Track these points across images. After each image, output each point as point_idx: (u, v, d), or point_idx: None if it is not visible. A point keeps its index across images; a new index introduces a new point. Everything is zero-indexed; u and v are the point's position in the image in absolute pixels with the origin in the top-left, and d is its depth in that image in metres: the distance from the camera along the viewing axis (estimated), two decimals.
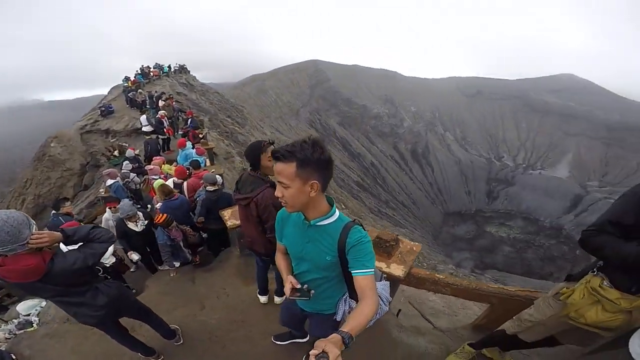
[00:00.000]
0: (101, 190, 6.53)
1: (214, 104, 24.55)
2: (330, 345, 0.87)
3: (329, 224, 1.31)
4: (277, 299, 3.06)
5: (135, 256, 3.66)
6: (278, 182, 1.18)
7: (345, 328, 1.01)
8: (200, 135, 8.87)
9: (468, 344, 2.45)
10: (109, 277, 2.61)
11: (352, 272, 1.24)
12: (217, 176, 4.24)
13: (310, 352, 0.85)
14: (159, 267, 4.18)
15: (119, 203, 3.94)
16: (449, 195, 57.88)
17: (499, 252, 44.81)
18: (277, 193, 1.21)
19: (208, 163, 6.90)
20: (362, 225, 1.33)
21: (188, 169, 5.27)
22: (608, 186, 52.59)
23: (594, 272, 1.58)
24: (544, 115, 67.15)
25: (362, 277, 1.21)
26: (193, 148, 6.86)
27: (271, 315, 2.92)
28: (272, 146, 2.10)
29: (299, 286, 1.36)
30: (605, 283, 1.50)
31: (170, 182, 4.91)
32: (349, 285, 1.40)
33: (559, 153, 61.21)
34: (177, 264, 3.93)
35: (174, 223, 3.69)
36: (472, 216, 54.57)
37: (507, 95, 73.12)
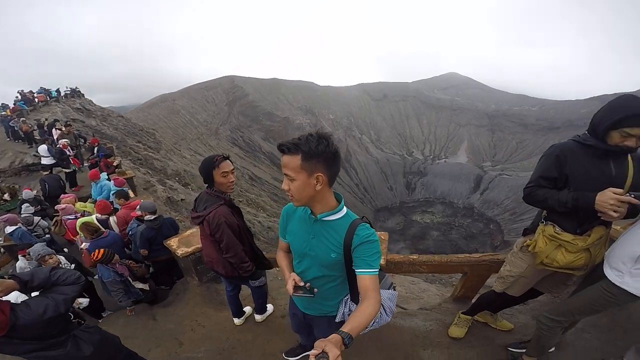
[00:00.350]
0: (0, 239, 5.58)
1: (119, 129, 21.86)
2: (330, 345, 0.87)
3: (335, 219, 1.29)
4: (257, 317, 2.96)
5: (83, 299, 3.26)
6: (284, 174, 1.18)
7: (345, 328, 1.01)
8: (114, 164, 7.97)
9: (462, 313, 2.58)
10: (82, 321, 2.30)
11: (356, 270, 1.22)
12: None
13: (310, 352, 0.85)
14: (103, 314, 3.74)
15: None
16: (374, 193, 62.72)
17: (428, 238, 50.66)
18: (284, 186, 1.20)
19: (132, 194, 6.22)
20: (370, 223, 1.31)
21: (111, 202, 4.85)
22: (499, 164, 64.30)
23: (544, 222, 1.81)
24: (438, 111, 78.44)
25: (366, 276, 1.20)
26: (108, 179, 6.22)
27: (261, 335, 2.83)
28: (226, 160, 2.09)
29: (302, 284, 1.31)
30: (557, 229, 1.73)
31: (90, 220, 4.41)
32: (352, 286, 1.37)
33: (457, 142, 72.18)
34: (131, 302, 3.53)
35: (116, 257, 3.32)
36: (399, 209, 60.32)
37: (407, 96, 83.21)
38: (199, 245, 3.19)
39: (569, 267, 1.74)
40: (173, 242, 3.46)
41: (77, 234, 4.24)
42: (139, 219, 3.80)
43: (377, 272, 1.22)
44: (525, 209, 50.00)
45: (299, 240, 1.39)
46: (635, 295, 1.55)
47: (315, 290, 1.33)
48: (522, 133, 68.31)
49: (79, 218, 4.70)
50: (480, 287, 2.94)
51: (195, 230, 3.61)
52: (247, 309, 3.05)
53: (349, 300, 1.46)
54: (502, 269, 2.16)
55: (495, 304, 2.39)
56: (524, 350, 2.21)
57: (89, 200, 5.97)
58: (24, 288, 1.58)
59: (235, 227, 2.13)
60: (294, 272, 1.43)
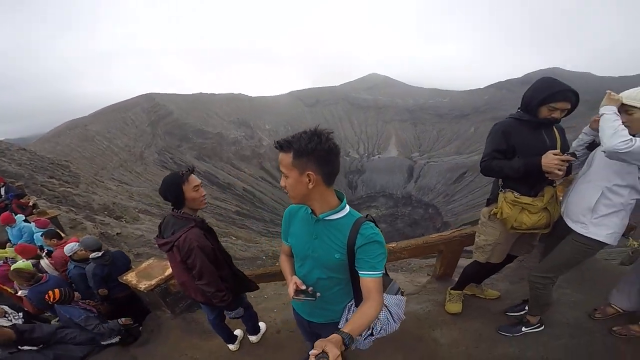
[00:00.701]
0: None
1: (24, 164, 18.37)
2: (331, 345, 0.87)
3: (338, 218, 1.24)
4: (252, 339, 2.81)
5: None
6: (280, 171, 1.19)
7: (345, 329, 1.01)
8: (30, 204, 7.00)
9: (451, 289, 2.70)
10: None
11: (361, 273, 1.20)
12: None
13: (310, 352, 0.85)
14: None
15: None
16: None
17: None
18: (281, 182, 1.20)
19: (62, 234, 5.60)
20: (375, 222, 1.26)
21: (40, 246, 4.48)
22: (425, 153, 70.85)
23: (502, 190, 2.00)
24: (365, 111, 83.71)
25: (369, 279, 1.18)
26: (26, 221, 5.60)
27: (263, 355, 2.71)
28: (192, 174, 1.88)
29: (303, 287, 1.26)
30: (516, 194, 1.93)
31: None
32: (356, 290, 1.32)
33: (386, 138, 77.83)
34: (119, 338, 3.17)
35: (77, 294, 3.00)
36: None
37: (337, 99, 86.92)
38: (163, 276, 3.02)
39: (535, 227, 1.95)
40: (131, 277, 3.16)
41: (9, 281, 3.76)
42: (76, 260, 3.52)
43: (381, 275, 1.19)
44: (455, 190, 56.28)
45: (301, 241, 1.34)
46: (604, 242, 1.80)
47: (318, 294, 1.26)
48: (439, 123, 76.94)
49: (1, 266, 4.16)
50: (457, 262, 3.13)
51: (153, 260, 3.43)
52: (238, 332, 2.85)
53: (353, 306, 1.41)
54: (477, 239, 2.29)
55: (479, 274, 2.54)
56: (522, 313, 2.45)
57: (8, 245, 5.29)
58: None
59: (209, 251, 1.94)
60: (295, 275, 1.37)
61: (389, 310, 1.40)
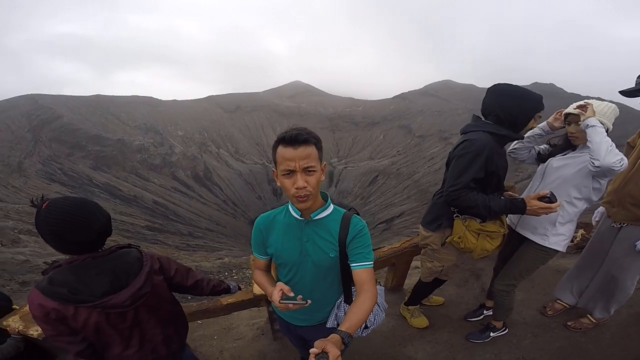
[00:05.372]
0: None
1: None
2: (331, 345, 0.86)
3: (327, 215, 1.23)
4: None
5: None
6: (304, 168, 1.05)
7: (342, 327, 1.00)
8: None
9: (405, 304, 2.69)
10: None
11: (354, 265, 1.18)
12: None
13: (311, 351, 0.86)
14: None
15: None
16: (244, 206, 62.60)
17: None
18: (300, 183, 1.05)
19: None
20: (358, 214, 1.28)
21: None
22: (343, 159, 75.03)
23: (461, 217, 1.85)
24: (288, 118, 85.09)
25: (362, 270, 1.17)
26: None
27: None
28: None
29: (292, 294, 1.11)
30: (478, 221, 1.81)
31: None
32: (346, 286, 1.33)
33: None
34: None
35: None
36: None
37: (259, 106, 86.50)
38: None
39: (495, 249, 1.91)
40: (13, 322, 2.17)
41: None
42: None
43: (372, 265, 1.19)
44: (370, 192, 60.91)
45: (288, 249, 1.25)
46: (560, 250, 1.89)
47: (309, 301, 1.10)
48: (354, 130, 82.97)
49: None
50: (407, 272, 3.10)
51: None
52: None
53: (342, 302, 1.38)
54: (429, 265, 2.17)
55: (431, 290, 2.50)
56: (481, 317, 2.57)
57: None
58: None
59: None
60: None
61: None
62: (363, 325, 1.29)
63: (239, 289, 1.95)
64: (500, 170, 1.71)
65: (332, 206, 1.27)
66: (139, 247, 1.40)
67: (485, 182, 1.68)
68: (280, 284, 1.14)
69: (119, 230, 36.07)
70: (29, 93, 58.92)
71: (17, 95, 58.60)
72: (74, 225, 1.08)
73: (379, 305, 1.43)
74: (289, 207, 1.26)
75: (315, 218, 1.21)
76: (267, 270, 1.41)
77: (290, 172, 1.07)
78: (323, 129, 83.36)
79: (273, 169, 1.17)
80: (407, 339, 2.55)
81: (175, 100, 79.21)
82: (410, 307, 2.66)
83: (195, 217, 53.89)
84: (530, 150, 2.05)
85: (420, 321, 2.62)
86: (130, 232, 38.17)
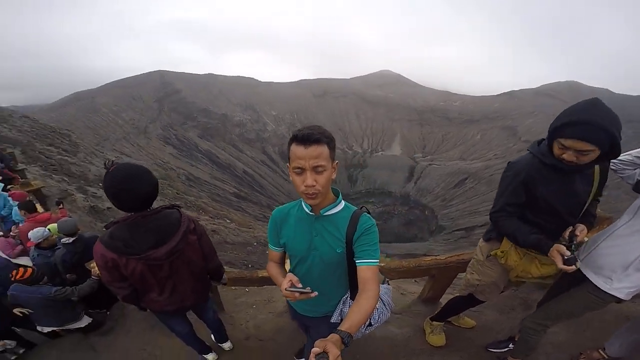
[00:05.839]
0: None
1: (24, 131, 18.57)
2: (331, 344, 0.87)
3: (336, 212, 1.26)
4: (225, 346, 2.62)
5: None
6: (314, 167, 1.07)
7: (343, 327, 1.00)
8: (10, 175, 6.46)
9: (430, 319, 2.51)
10: None
11: (358, 262, 1.20)
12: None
13: (312, 351, 0.87)
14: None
15: None
16: None
17: None
18: (309, 181, 1.08)
19: (41, 208, 5.07)
20: (369, 213, 1.30)
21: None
22: (428, 155, 70.16)
23: None
24: (374, 107, 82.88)
25: (367, 267, 1.18)
26: (4, 190, 5.13)
27: (241, 355, 2.61)
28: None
29: (300, 285, 1.16)
30: None
31: None
32: (352, 282, 1.33)
33: (390, 135, 77.08)
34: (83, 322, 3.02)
35: (45, 278, 2.78)
36: None
37: (346, 92, 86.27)
38: None
39: (543, 276, 1.70)
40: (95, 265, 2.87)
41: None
42: (40, 247, 3.20)
43: (377, 263, 1.20)
44: (453, 194, 55.72)
45: (299, 241, 1.31)
46: (622, 299, 1.54)
47: (316, 293, 1.15)
48: (446, 126, 75.93)
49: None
50: (447, 287, 2.91)
51: None
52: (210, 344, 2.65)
53: (348, 298, 1.41)
54: (469, 276, 2.05)
55: (464, 307, 2.30)
56: (504, 350, 2.26)
57: None
58: None
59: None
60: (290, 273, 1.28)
61: (381, 299, 1.46)
62: (367, 323, 1.36)
63: None
64: (548, 196, 1.47)
65: (343, 203, 1.29)
66: (180, 208, 1.66)
67: (530, 207, 1.56)
68: (290, 275, 1.20)
69: (211, 194, 40.21)
70: (157, 70, 69.51)
71: (147, 71, 69.84)
72: (123, 190, 1.35)
73: (384, 304, 1.47)
74: (302, 202, 1.30)
75: (324, 214, 1.24)
76: (281, 263, 1.46)
77: (301, 170, 1.09)
78: (411, 122, 78.97)
79: (287, 164, 1.19)
80: (415, 353, 2.44)
81: (271, 82, 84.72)
82: (434, 323, 2.49)
83: (276, 191, 57.23)
84: (635, 169, 1.54)
85: (437, 339, 2.45)
86: (220, 196, 42.30)
